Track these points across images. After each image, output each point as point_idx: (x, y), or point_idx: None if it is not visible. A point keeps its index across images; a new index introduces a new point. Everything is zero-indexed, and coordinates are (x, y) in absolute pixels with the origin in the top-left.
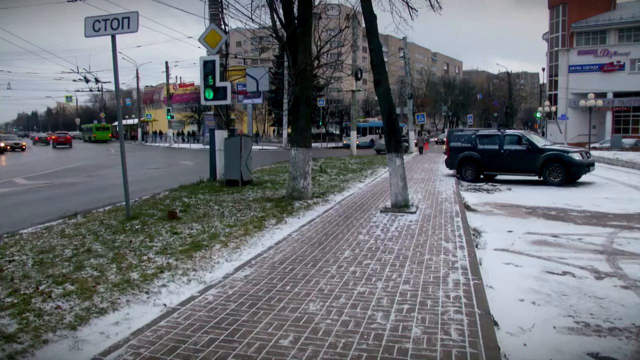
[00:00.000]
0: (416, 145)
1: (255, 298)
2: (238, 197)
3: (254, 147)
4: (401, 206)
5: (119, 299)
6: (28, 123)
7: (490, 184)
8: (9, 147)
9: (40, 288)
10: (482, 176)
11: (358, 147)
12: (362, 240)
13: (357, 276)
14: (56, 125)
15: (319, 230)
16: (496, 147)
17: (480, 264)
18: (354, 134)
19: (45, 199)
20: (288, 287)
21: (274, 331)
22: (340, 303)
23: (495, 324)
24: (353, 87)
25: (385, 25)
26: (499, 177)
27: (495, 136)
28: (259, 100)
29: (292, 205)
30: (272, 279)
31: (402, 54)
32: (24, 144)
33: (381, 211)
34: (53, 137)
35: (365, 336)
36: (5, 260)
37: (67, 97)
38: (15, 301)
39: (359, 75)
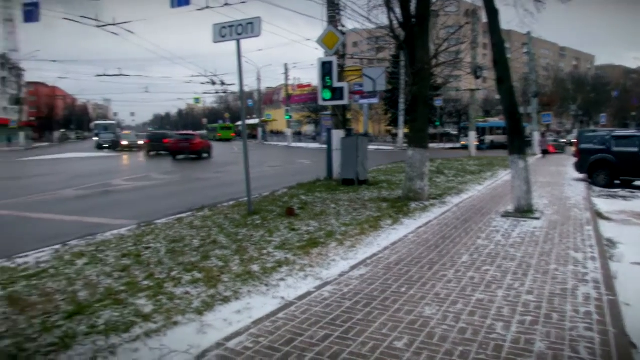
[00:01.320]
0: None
1: (370, 298)
2: (354, 196)
3: (370, 147)
4: (524, 211)
5: (241, 289)
6: (162, 123)
7: (627, 190)
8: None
9: (172, 274)
10: (617, 181)
11: (477, 148)
12: (481, 245)
13: (475, 282)
14: (186, 125)
15: (435, 232)
16: (635, 149)
17: (616, 278)
18: (472, 134)
19: (176, 193)
20: (403, 289)
21: (389, 332)
22: (457, 309)
23: (634, 346)
24: (472, 85)
25: (507, 19)
26: (638, 182)
27: (635, 137)
28: (375, 100)
29: (408, 206)
30: (387, 279)
31: (525, 50)
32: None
33: (502, 216)
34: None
35: (484, 346)
36: (143, 247)
37: (195, 98)
38: (151, 284)
39: (479, 74)
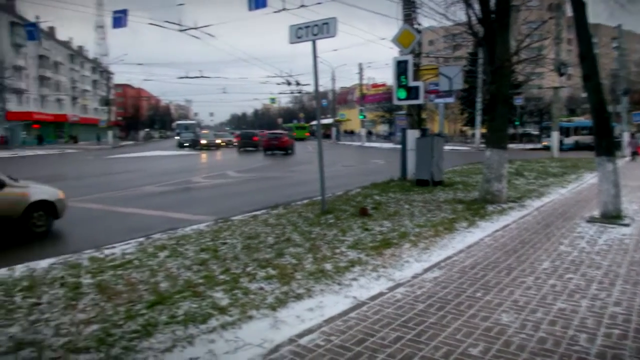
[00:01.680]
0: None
1: (444, 301)
2: (428, 197)
3: (445, 147)
4: (612, 217)
5: (313, 287)
6: (239, 122)
7: None
8: (223, 143)
9: (247, 269)
10: None
11: (560, 149)
12: (564, 252)
13: (557, 290)
14: (261, 125)
15: (514, 237)
16: None
17: None
18: (555, 134)
19: (252, 191)
20: (479, 294)
21: (463, 338)
22: (537, 317)
23: None
24: (555, 83)
25: (595, 12)
26: None
27: None
28: (451, 100)
29: (484, 208)
30: (462, 283)
31: (615, 44)
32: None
33: (587, 221)
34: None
35: (564, 358)
36: (220, 242)
37: (271, 99)
38: (227, 279)
39: (563, 70)
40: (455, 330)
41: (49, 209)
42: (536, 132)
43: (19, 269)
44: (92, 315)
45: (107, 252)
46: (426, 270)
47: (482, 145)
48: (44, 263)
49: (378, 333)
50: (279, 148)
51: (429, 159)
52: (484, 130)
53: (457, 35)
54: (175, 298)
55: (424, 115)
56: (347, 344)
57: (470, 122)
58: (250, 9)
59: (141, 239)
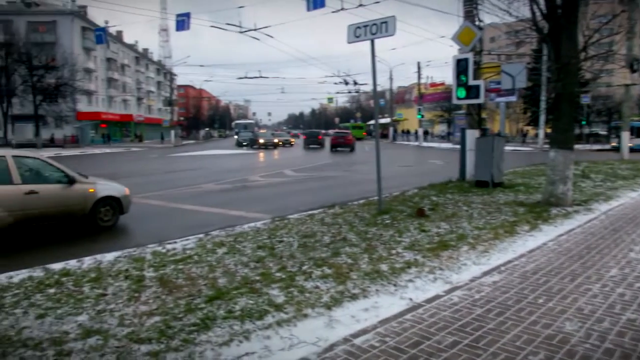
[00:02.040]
0: None
1: (504, 307)
2: (488, 199)
3: (506, 147)
4: None
5: (369, 287)
6: (296, 122)
7: None
8: (280, 143)
9: (303, 268)
10: None
11: (631, 150)
12: (634, 259)
13: (625, 300)
14: (318, 125)
15: (579, 241)
16: None
17: None
18: (625, 134)
19: (308, 190)
20: (541, 300)
21: (523, 345)
22: (604, 327)
23: None
24: (627, 80)
25: None
26: None
27: None
28: (513, 98)
29: (548, 211)
30: (523, 289)
31: None
32: (292, 140)
33: None
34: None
35: None
36: (276, 240)
37: (328, 98)
38: (283, 276)
39: (636, 67)
40: (515, 337)
41: (115, 205)
42: (604, 132)
43: (87, 261)
44: (154, 308)
45: (168, 246)
46: (485, 273)
47: (546, 146)
48: (110, 256)
49: (434, 336)
50: (345, 145)
51: (489, 160)
52: (548, 130)
53: (520, 32)
54: (233, 294)
55: (484, 115)
56: (402, 346)
57: (534, 122)
58: (308, 9)
59: (201, 235)
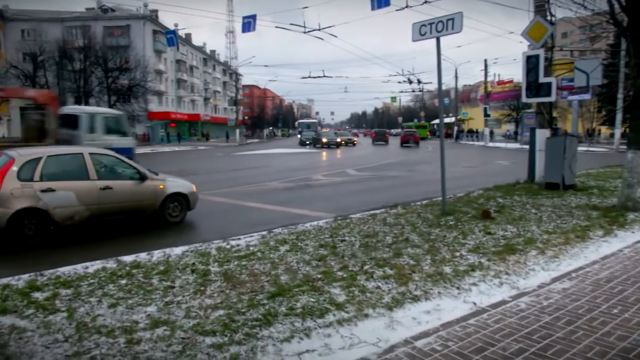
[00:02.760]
0: None
1: (574, 315)
2: (558, 202)
3: (579, 148)
4: None
5: (431, 289)
6: (359, 121)
7: None
8: (343, 142)
9: (365, 268)
10: None
11: None
12: None
13: None
14: (381, 124)
15: None
16: None
17: None
18: None
19: (370, 189)
20: (615, 310)
21: (595, 357)
22: None
23: None
24: None
25: None
26: None
27: None
28: (587, 96)
29: (624, 216)
30: (596, 297)
31: None
32: (355, 140)
33: None
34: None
35: None
36: (338, 239)
37: (392, 97)
38: (345, 275)
39: None
40: (587, 347)
41: (183, 201)
42: None
43: (156, 254)
44: (218, 302)
45: (232, 243)
46: (554, 280)
47: (622, 147)
48: (177, 250)
49: (499, 343)
50: (413, 142)
51: (560, 161)
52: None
53: (595, 26)
54: (295, 291)
55: (555, 114)
56: (465, 352)
57: (609, 121)
58: (373, 8)
59: (264, 233)
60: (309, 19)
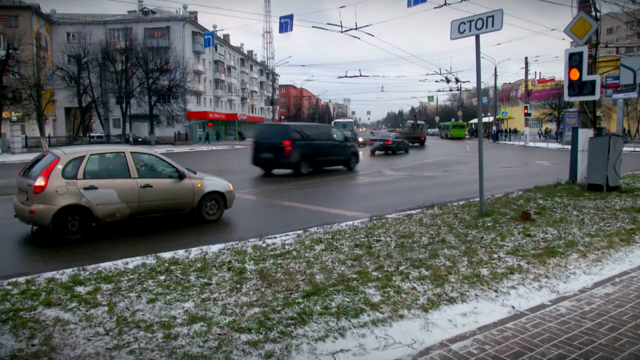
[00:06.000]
0: None
1: (618, 322)
2: (601, 204)
3: (625, 148)
4: None
5: (468, 291)
6: (395, 121)
7: None
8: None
9: (400, 268)
10: None
11: None
12: None
13: None
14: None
15: None
16: None
17: None
18: None
19: (406, 189)
20: None
21: None
22: None
23: None
24: None
25: None
26: None
27: None
28: (633, 94)
29: None
30: None
31: None
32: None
33: None
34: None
35: None
36: (374, 239)
37: (429, 96)
38: (380, 276)
39: None
40: (631, 356)
41: (220, 200)
42: None
43: (194, 252)
44: (254, 299)
45: (268, 241)
46: (597, 284)
47: None
48: (214, 248)
49: (537, 348)
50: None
51: (604, 162)
52: None
53: None
54: (329, 290)
55: (599, 113)
56: (502, 356)
57: None
58: (409, 5)
59: (299, 232)
60: (337, 18)
